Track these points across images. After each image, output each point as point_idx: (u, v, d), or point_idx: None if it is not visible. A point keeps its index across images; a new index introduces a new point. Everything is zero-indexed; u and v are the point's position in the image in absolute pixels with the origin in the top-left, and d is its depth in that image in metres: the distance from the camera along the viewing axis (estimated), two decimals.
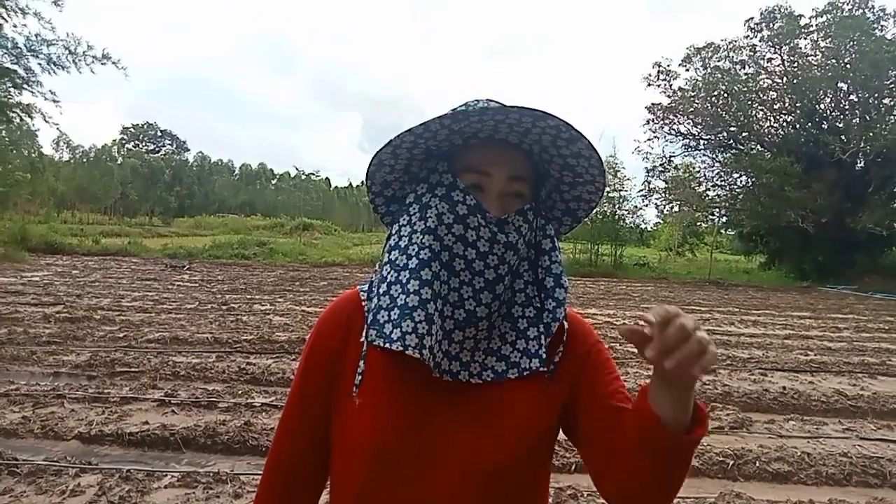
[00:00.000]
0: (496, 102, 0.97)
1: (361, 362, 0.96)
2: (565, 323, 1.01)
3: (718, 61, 25.60)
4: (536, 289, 1.00)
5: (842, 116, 24.05)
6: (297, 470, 1.04)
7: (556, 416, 1.00)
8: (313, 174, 50.30)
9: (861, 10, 23.35)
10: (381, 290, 0.95)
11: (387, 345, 0.90)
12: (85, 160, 60.25)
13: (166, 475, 3.73)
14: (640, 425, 0.85)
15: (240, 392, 5.36)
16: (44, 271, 14.76)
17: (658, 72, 26.91)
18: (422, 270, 0.93)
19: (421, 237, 0.95)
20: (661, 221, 39.77)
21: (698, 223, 33.89)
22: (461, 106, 0.97)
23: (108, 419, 4.58)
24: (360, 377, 0.96)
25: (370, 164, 1.00)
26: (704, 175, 27.85)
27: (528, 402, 0.97)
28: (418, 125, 0.91)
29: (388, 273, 0.95)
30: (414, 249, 0.95)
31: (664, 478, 0.88)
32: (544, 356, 0.97)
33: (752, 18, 24.86)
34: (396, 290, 0.93)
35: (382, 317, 0.93)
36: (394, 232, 0.99)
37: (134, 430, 4.37)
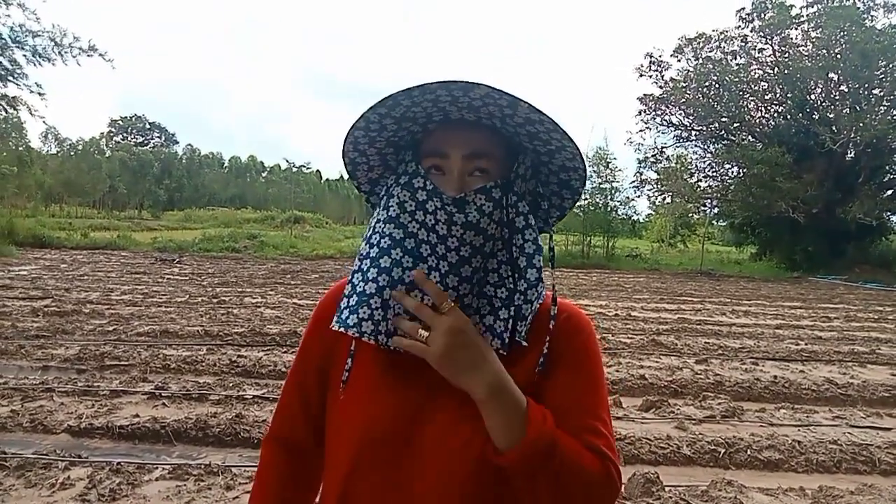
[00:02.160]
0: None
1: (351, 352, 0.99)
2: (553, 309, 0.98)
3: (710, 52, 25.67)
4: (510, 269, 0.97)
5: (832, 107, 24.14)
6: (295, 444, 1.09)
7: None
8: (304, 167, 50.49)
9: (851, 1, 23.42)
10: (350, 279, 0.98)
11: (342, 329, 0.93)
12: (73, 153, 59.72)
13: (157, 468, 3.70)
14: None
15: (231, 384, 5.33)
16: (32, 265, 14.65)
17: (650, 62, 26.95)
18: (381, 258, 0.94)
19: (382, 226, 0.97)
20: (653, 213, 39.90)
21: (690, 214, 33.95)
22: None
23: (97, 412, 4.54)
24: (347, 372, 0.99)
25: (346, 167, 1.04)
26: (696, 166, 27.97)
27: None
28: (358, 119, 0.93)
29: (356, 263, 0.97)
30: (375, 238, 0.97)
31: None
32: (507, 339, 0.95)
33: (743, 9, 24.93)
34: (358, 279, 0.96)
35: (343, 303, 0.95)
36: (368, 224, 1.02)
37: (124, 423, 4.33)
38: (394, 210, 0.96)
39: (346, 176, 1.07)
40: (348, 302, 0.95)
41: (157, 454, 4.00)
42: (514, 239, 0.97)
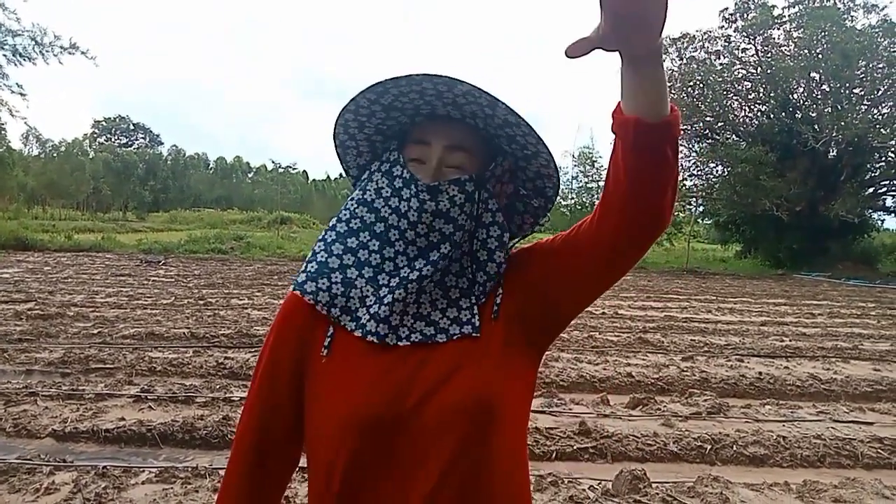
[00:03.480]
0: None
1: (329, 334, 0.99)
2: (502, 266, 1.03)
3: (694, 52, 25.78)
4: (470, 259, 1.01)
5: (814, 106, 24.36)
6: (269, 435, 1.05)
7: (508, 370, 1.00)
8: (290, 167, 50.10)
9: (832, 1, 23.68)
10: (312, 246, 1.04)
11: (297, 291, 0.98)
12: (55, 154, 59.03)
13: (143, 471, 3.68)
14: (623, 145, 0.84)
15: (218, 387, 5.30)
16: (14, 268, 14.45)
17: None
18: (348, 238, 1.00)
19: (355, 206, 1.02)
20: None
21: (676, 212, 34.21)
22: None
23: (82, 416, 4.50)
24: (326, 348, 0.98)
25: (336, 150, 1.08)
26: (681, 165, 27.95)
27: (471, 358, 0.97)
28: (349, 102, 0.98)
29: (321, 233, 1.03)
30: (345, 215, 1.02)
31: (654, 174, 0.86)
32: (477, 324, 0.99)
33: (726, 9, 25.07)
34: (320, 247, 1.01)
35: (302, 268, 1.01)
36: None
37: (110, 426, 4.30)
38: (370, 194, 1.01)
39: (332, 176, 1.11)
40: (307, 267, 1.00)
41: (143, 458, 3.98)
42: (477, 233, 1.01)
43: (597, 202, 0.96)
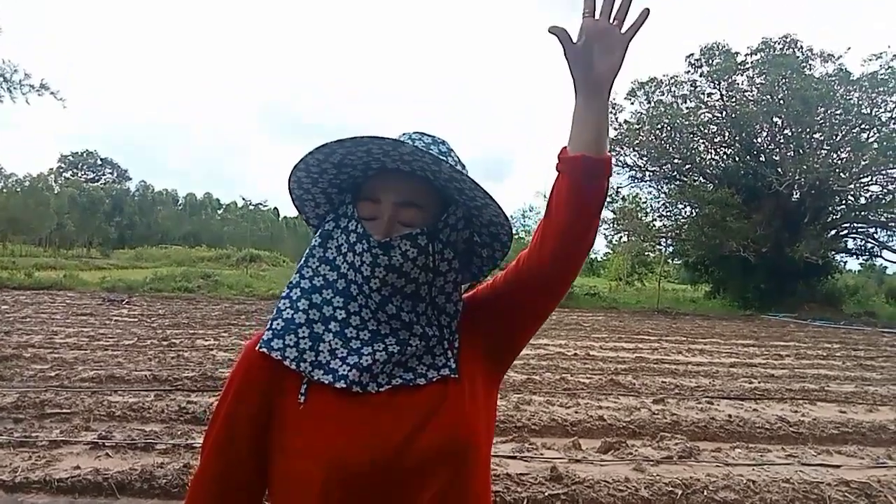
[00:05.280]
0: (424, 134, 1.06)
1: (305, 379, 0.98)
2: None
3: (661, 95, 26.54)
4: (433, 308, 1.05)
5: (777, 150, 25.16)
6: (227, 493, 1.03)
7: (478, 407, 1.05)
8: (261, 204, 49.73)
9: (791, 50, 24.66)
10: (277, 304, 1.04)
11: (264, 350, 0.98)
12: (18, 189, 57.83)
13: None
14: (569, 179, 0.98)
15: (179, 433, 5.12)
16: None
17: None
18: (313, 294, 1.01)
19: (317, 264, 1.04)
20: (611, 251, 40.59)
21: (646, 253, 34.70)
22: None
23: (34, 465, 4.29)
24: (303, 395, 0.98)
25: (293, 203, 1.11)
26: (650, 206, 28.65)
27: (448, 399, 1.01)
28: (298, 162, 1.02)
29: (285, 290, 1.04)
30: (307, 272, 1.04)
31: (593, 203, 0.99)
32: (454, 365, 1.03)
33: (692, 54, 25.93)
34: (285, 304, 1.02)
35: (268, 326, 1.01)
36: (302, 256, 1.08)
37: (64, 475, 4.10)
38: (331, 252, 1.04)
39: None
40: (272, 325, 1.00)
41: None
42: (436, 281, 1.03)
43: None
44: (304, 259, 1.06)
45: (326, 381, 0.96)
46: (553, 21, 1.07)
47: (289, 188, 1.08)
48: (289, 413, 0.98)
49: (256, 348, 0.99)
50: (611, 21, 0.97)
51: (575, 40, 0.97)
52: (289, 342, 0.98)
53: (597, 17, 0.97)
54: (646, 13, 0.98)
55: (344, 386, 0.95)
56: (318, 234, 1.07)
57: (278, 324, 0.99)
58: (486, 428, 1.07)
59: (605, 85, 0.97)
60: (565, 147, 1.01)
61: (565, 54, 0.97)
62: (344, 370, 0.96)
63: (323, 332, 0.98)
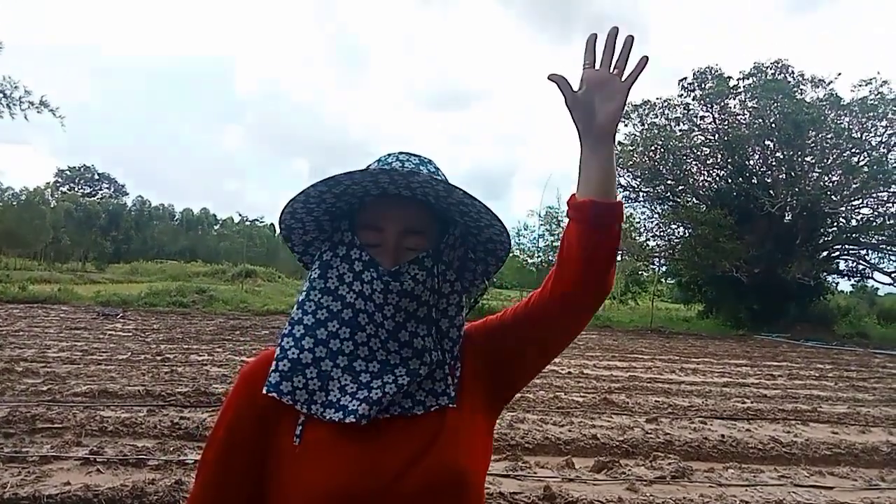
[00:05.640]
0: (412, 155, 1.06)
1: (301, 418, 0.97)
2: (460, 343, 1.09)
3: (655, 118, 26.80)
4: (435, 330, 1.04)
5: (769, 172, 25.42)
6: None
7: (475, 437, 1.04)
8: (258, 220, 49.57)
9: (782, 75, 25.00)
10: (279, 342, 1.01)
11: (273, 394, 0.96)
12: (14, 203, 57.68)
13: None
14: (579, 225, 0.99)
15: (171, 448, 5.09)
16: None
17: None
18: (317, 330, 0.99)
19: (319, 296, 1.01)
20: None
21: (640, 272, 34.80)
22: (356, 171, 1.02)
23: (24, 480, 4.26)
24: (300, 427, 0.96)
25: (281, 231, 1.09)
26: (644, 226, 28.78)
27: (445, 428, 1.00)
28: (299, 193, 1.00)
29: (286, 327, 1.01)
30: (310, 307, 1.01)
31: (605, 249, 1.00)
32: (453, 394, 1.02)
33: (685, 78, 26.23)
34: (289, 343, 0.99)
35: (273, 367, 0.98)
36: (299, 289, 1.05)
37: (53, 491, 4.08)
38: (332, 282, 1.01)
39: None
40: (277, 366, 0.97)
41: None
42: (439, 304, 1.04)
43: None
44: (304, 293, 1.03)
45: (336, 419, 0.94)
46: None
47: (280, 218, 1.06)
48: (284, 446, 0.97)
49: (264, 391, 0.96)
50: (611, 70, 1.00)
51: (575, 89, 1.00)
52: (297, 384, 0.96)
53: (597, 67, 1.01)
54: (644, 61, 1.01)
55: (353, 420, 0.94)
56: (316, 265, 1.05)
57: (285, 364, 0.97)
58: (483, 458, 1.06)
59: (609, 131, 1.00)
60: (574, 194, 1.03)
61: (566, 102, 1.00)
62: (354, 405, 0.94)
63: (331, 368, 0.97)
